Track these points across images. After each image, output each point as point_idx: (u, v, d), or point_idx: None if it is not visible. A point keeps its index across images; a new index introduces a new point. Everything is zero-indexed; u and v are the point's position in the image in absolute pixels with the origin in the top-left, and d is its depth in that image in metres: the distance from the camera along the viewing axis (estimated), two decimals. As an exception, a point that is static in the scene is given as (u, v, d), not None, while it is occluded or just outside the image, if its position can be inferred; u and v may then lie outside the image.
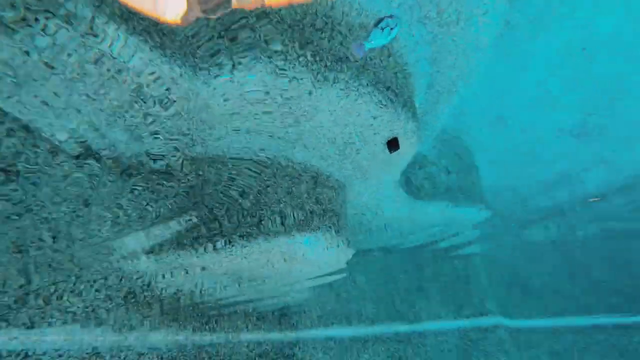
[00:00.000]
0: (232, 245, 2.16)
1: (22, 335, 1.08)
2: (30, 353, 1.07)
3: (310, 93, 2.05)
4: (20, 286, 1.12)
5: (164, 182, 2.07)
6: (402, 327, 4.67)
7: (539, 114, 4.17)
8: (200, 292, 2.53)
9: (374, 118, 2.42)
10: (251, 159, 2.35)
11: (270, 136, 2.29)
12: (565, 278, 6.14)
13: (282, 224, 2.32)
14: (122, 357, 1.51)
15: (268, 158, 2.36)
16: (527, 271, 6.27)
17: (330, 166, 2.81)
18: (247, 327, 2.83)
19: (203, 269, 2.28)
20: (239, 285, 2.84)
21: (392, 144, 2.66)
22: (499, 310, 5.29)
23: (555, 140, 4.55)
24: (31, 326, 1.10)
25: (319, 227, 2.56)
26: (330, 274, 3.66)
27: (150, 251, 1.99)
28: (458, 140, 4.91)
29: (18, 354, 1.05)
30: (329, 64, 2.03)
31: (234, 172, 2.33)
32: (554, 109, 4.09)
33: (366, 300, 4.70)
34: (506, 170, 5.12)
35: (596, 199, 5.29)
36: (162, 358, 1.79)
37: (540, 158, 4.92)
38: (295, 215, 2.45)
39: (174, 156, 2.02)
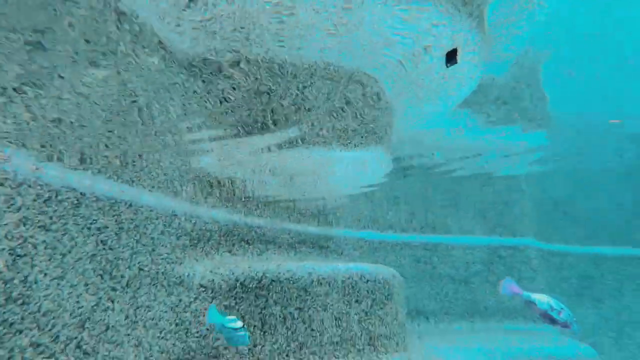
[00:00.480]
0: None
1: (127, 190, 1.54)
2: (130, 204, 1.54)
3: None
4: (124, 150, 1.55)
5: (226, 82, 2.30)
6: (432, 238, 5.04)
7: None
8: (252, 186, 2.99)
9: (435, 26, 2.30)
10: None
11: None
12: (614, 209, 5.85)
13: (320, 134, 2.53)
14: (192, 221, 2.04)
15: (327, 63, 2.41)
16: (574, 199, 6.05)
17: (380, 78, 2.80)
18: (289, 218, 3.35)
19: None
20: (284, 186, 3.27)
21: (451, 56, 2.53)
22: (533, 233, 5.38)
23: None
24: (131, 184, 1.55)
25: (361, 143, 2.74)
26: (368, 186, 3.98)
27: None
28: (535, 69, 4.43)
29: (125, 203, 1.52)
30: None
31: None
32: None
33: (401, 212, 5.06)
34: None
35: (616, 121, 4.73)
36: (220, 229, 2.34)
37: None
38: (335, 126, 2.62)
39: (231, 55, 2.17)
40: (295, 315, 1.94)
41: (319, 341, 1.97)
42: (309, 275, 2.09)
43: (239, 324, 1.44)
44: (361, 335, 2.20)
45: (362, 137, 2.72)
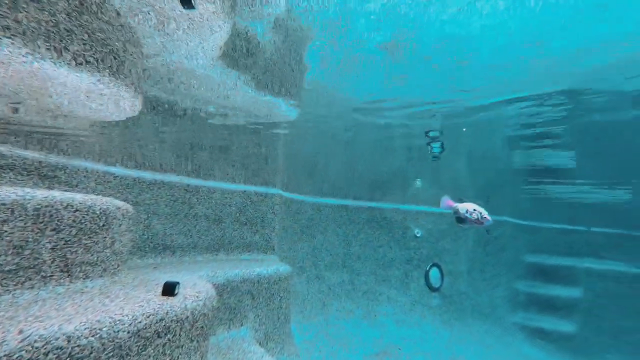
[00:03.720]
0: None
1: None
2: None
3: None
4: None
5: None
6: (193, 181, 5.33)
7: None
8: None
9: None
10: None
11: None
12: (339, 170, 8.15)
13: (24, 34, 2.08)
14: None
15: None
16: (314, 159, 7.94)
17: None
18: None
19: None
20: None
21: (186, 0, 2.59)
22: (281, 184, 6.67)
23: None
24: None
25: (85, 60, 2.43)
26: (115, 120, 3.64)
27: None
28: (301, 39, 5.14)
29: None
30: None
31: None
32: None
33: (164, 151, 5.00)
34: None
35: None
36: None
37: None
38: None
39: None
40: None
41: (-19, 269, 1.79)
42: (-22, 200, 1.80)
43: None
44: (52, 262, 2.15)
45: (91, 56, 2.46)
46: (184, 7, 2.68)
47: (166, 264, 4.63)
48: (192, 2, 2.61)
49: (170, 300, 2.45)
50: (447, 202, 4.36)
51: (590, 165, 9.31)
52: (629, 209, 10.61)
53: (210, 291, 3.16)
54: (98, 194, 3.90)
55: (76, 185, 3.60)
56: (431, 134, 7.99)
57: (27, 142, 3.08)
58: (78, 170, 3.65)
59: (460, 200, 4.52)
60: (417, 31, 4.93)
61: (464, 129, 7.81)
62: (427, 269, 8.89)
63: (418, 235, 8.76)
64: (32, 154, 3.11)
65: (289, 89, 5.28)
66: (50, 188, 3.21)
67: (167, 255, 4.84)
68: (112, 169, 4.15)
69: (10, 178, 2.86)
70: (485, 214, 4.19)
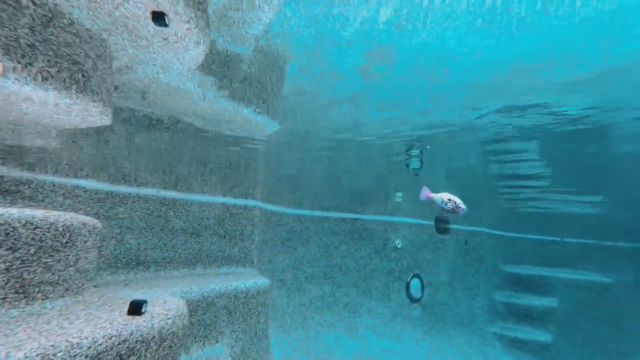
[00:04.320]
0: None
1: None
2: None
3: None
4: None
5: None
6: (170, 194, 5.23)
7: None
8: None
9: None
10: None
11: None
12: (317, 182, 8.19)
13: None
14: None
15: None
16: (300, 173, 7.95)
17: (77, 10, 2.52)
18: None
19: None
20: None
21: (157, 16, 2.60)
22: (261, 197, 6.63)
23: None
24: None
25: (48, 70, 2.39)
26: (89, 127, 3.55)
27: None
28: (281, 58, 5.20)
29: None
30: None
31: None
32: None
33: (140, 167, 4.89)
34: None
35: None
36: None
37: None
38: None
39: None
40: None
41: None
42: None
43: None
44: (6, 283, 2.06)
45: (54, 68, 2.42)
46: (157, 25, 2.69)
47: (139, 280, 4.48)
48: (165, 19, 2.62)
49: (136, 319, 2.37)
50: (425, 192, 4.53)
51: (563, 175, 9.68)
52: (599, 220, 11.06)
53: (181, 308, 3.08)
54: (66, 209, 3.77)
55: (42, 200, 3.48)
56: (412, 152, 8.19)
57: (-12, 155, 2.96)
58: (44, 184, 3.53)
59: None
60: (391, 48, 5.09)
61: (428, 147, 8.04)
62: (408, 280, 8.95)
63: (399, 246, 8.84)
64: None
65: (267, 101, 5.31)
66: (12, 204, 3.08)
67: (140, 271, 4.70)
68: (82, 183, 4.03)
69: (-32, 193, 2.73)
70: (459, 202, 4.35)
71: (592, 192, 10.11)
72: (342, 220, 8.42)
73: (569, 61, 5.00)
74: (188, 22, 2.72)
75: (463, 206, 4.32)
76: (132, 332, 2.23)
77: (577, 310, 9.99)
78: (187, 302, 4.17)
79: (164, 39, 3.02)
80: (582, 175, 9.46)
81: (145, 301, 2.54)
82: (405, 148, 8.42)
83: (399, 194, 8.99)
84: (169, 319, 2.66)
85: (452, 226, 10.02)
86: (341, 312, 8.24)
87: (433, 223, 9.54)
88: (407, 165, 8.95)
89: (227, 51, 4.56)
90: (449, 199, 4.36)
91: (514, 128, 7.46)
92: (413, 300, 8.95)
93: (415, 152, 8.64)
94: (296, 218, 7.76)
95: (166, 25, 2.67)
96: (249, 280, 5.26)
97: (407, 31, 4.48)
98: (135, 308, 2.43)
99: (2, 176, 3.11)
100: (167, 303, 3.00)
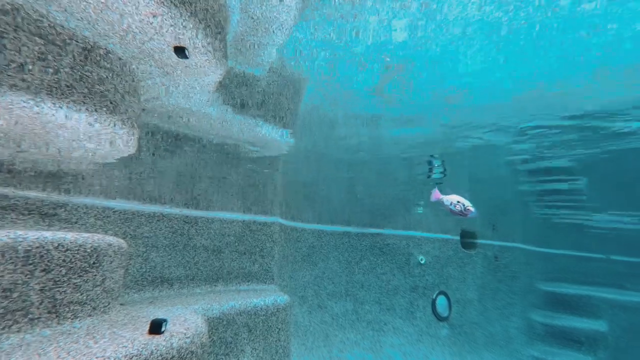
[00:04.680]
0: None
1: None
2: None
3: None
4: None
5: None
6: (192, 212, 5.42)
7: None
8: None
9: (154, 17, 2.47)
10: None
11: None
12: (336, 196, 8.19)
13: (26, 84, 2.27)
14: None
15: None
16: (319, 188, 8.01)
17: (111, 45, 2.76)
18: (-13, 179, 2.81)
19: None
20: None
21: (179, 50, 2.81)
22: (280, 212, 6.73)
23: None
24: None
25: (83, 102, 2.61)
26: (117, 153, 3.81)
27: None
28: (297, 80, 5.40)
29: None
30: None
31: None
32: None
33: (163, 186, 5.14)
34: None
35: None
36: None
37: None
38: (45, 78, 2.41)
39: None
40: None
41: (-32, 314, 1.86)
42: (-30, 245, 1.91)
43: None
44: (40, 304, 2.22)
45: (85, 96, 2.64)
46: (179, 57, 2.90)
47: (163, 298, 4.64)
48: (186, 52, 2.83)
49: (155, 339, 2.47)
50: (435, 194, 4.49)
51: (604, 190, 9.13)
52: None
53: (201, 327, 3.16)
54: (97, 229, 4.01)
55: (76, 222, 3.73)
56: (434, 163, 8.07)
57: (29, 183, 3.24)
58: (78, 207, 3.79)
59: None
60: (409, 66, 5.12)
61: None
62: (434, 297, 8.64)
63: (422, 262, 8.59)
64: (34, 194, 3.26)
65: (283, 118, 5.46)
66: (50, 226, 3.33)
67: (165, 289, 4.86)
68: (112, 204, 4.29)
69: (11, 218, 2.99)
70: (468, 205, 4.26)
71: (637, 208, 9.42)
72: (363, 235, 8.34)
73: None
74: (206, 54, 2.90)
75: (472, 209, 4.22)
76: (152, 352, 2.32)
77: (630, 335, 9.16)
78: (207, 319, 4.26)
79: (186, 66, 3.22)
80: (626, 190, 8.86)
81: (165, 320, 2.64)
82: (426, 160, 8.30)
83: (421, 208, 8.80)
84: (187, 338, 2.74)
85: (479, 241, 9.64)
86: (364, 330, 8.06)
87: (458, 238, 9.22)
88: (429, 177, 8.78)
89: (244, 73, 4.76)
90: (458, 201, 4.30)
91: (550, 142, 7.19)
92: (440, 318, 8.61)
93: (437, 162, 8.49)
94: (316, 233, 7.77)
95: (187, 58, 2.87)
96: (269, 297, 5.29)
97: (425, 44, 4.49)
98: (155, 327, 2.53)
99: (42, 200, 3.38)
100: (186, 321, 3.09)
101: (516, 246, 10.41)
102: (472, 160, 8.18)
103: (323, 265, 7.78)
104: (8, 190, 3.00)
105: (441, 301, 8.67)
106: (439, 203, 4.40)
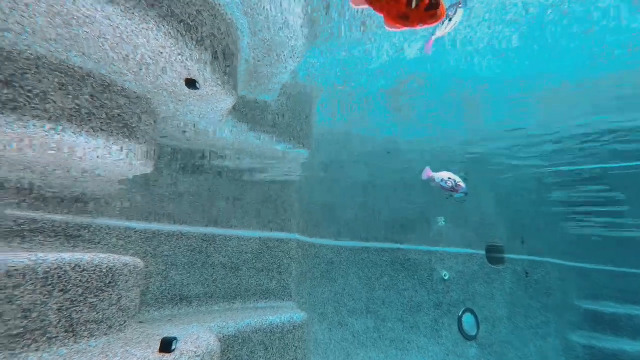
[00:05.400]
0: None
1: None
2: None
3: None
4: None
5: None
6: (210, 230, 5.56)
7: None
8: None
9: (163, 48, 2.63)
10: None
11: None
12: (353, 213, 8.11)
13: (50, 117, 2.47)
14: None
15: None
16: (336, 204, 7.98)
17: (127, 81, 2.96)
18: (18, 204, 3.03)
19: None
20: (16, 169, 2.94)
21: (190, 83, 2.97)
22: (297, 229, 6.75)
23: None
24: None
25: (101, 130, 2.80)
26: (134, 175, 4.02)
27: None
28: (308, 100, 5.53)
29: None
30: (101, -20, 2.09)
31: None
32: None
33: (182, 205, 5.33)
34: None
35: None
36: None
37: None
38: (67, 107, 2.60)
39: None
40: (-41, 310, 1.88)
41: (-9, 333, 1.98)
42: (-5, 268, 2.06)
43: None
44: (58, 323, 2.33)
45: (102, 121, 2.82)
46: (189, 88, 3.06)
47: (182, 316, 4.73)
48: (197, 84, 2.98)
49: (165, 357, 2.51)
50: (427, 172, 4.41)
51: None
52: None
53: (212, 345, 3.18)
54: (119, 249, 4.20)
55: (99, 243, 3.92)
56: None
57: (55, 206, 3.47)
58: (101, 228, 3.99)
59: None
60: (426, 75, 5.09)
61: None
62: (460, 314, 8.24)
63: (446, 277, 8.26)
64: (59, 217, 3.48)
65: (297, 136, 5.55)
66: (75, 247, 3.52)
67: (184, 306, 4.96)
68: (133, 224, 4.48)
69: (39, 241, 3.20)
70: (459, 181, 4.17)
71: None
72: (382, 250, 8.16)
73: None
74: (216, 86, 3.04)
75: (462, 184, 4.13)
76: (160, 371, 2.36)
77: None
78: (223, 337, 4.28)
79: (200, 96, 3.39)
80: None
81: (175, 338, 2.69)
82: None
83: (442, 221, 8.53)
84: (197, 356, 2.77)
85: (507, 256, 9.17)
86: (388, 349, 7.78)
87: (484, 252, 8.82)
88: (450, 196, 8.51)
89: (257, 98, 4.93)
90: (449, 178, 4.23)
91: (584, 151, 6.86)
92: (468, 337, 8.17)
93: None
94: (334, 249, 7.70)
95: (198, 89, 3.02)
96: (286, 314, 5.26)
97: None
98: (166, 346, 2.58)
99: (67, 222, 3.60)
100: (198, 339, 3.13)
101: (548, 261, 9.80)
102: (495, 171, 7.89)
103: (343, 281, 7.66)
104: (37, 214, 3.22)
105: (468, 319, 8.24)
106: (431, 181, 4.35)
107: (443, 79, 5.09)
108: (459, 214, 9.06)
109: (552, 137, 6.57)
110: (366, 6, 1.42)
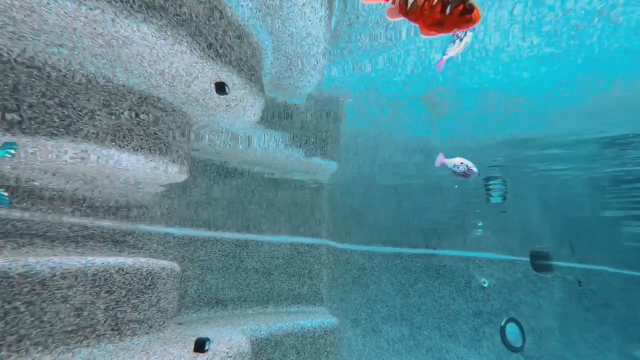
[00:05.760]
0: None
1: None
2: None
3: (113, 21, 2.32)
4: None
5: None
6: (243, 236, 5.76)
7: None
8: (17, 177, 2.90)
9: (195, 64, 2.82)
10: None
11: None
12: (383, 219, 7.97)
13: (95, 133, 2.73)
14: None
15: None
16: (366, 208, 7.92)
17: (162, 93, 3.19)
18: (72, 212, 3.36)
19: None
20: (71, 181, 3.28)
21: (220, 88, 3.15)
22: (327, 234, 6.78)
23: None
24: None
25: (141, 146, 3.05)
26: (170, 185, 4.29)
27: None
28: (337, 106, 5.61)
29: None
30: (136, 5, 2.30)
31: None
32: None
33: (216, 212, 5.57)
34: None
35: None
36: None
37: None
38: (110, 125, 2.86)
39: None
40: (22, 309, 2.13)
41: (48, 332, 2.22)
42: (52, 270, 2.30)
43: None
44: (105, 322, 2.55)
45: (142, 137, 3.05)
46: (219, 94, 3.22)
47: (218, 318, 4.93)
48: (226, 89, 3.14)
49: (199, 356, 2.65)
50: (440, 159, 4.29)
51: None
52: None
53: (244, 347, 3.29)
54: (159, 254, 4.49)
55: (142, 248, 4.22)
56: (491, 184, 7.49)
57: (104, 214, 3.80)
58: (143, 234, 4.30)
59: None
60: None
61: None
62: (503, 324, 7.77)
63: (485, 285, 7.85)
64: (107, 223, 3.81)
65: (325, 145, 5.61)
66: (120, 252, 3.83)
67: (219, 309, 5.17)
68: (171, 230, 4.77)
69: (90, 246, 3.51)
70: (471, 165, 3.98)
71: None
72: (416, 256, 7.94)
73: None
74: (243, 88, 3.18)
75: (475, 169, 3.95)
76: (195, 370, 2.48)
77: None
78: (256, 340, 4.41)
79: (227, 105, 3.57)
80: None
81: (208, 339, 2.82)
82: (482, 180, 7.73)
83: (480, 228, 8.14)
84: (229, 357, 2.88)
85: (555, 263, 8.52)
86: (424, 358, 7.52)
87: (528, 259, 8.27)
88: (488, 201, 8.11)
89: (286, 102, 5.07)
90: (462, 162, 4.06)
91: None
92: (512, 349, 7.68)
93: (496, 184, 7.84)
94: (366, 255, 7.62)
95: (226, 93, 3.18)
96: (317, 319, 5.29)
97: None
98: (199, 346, 2.72)
99: (114, 229, 3.92)
100: (231, 341, 3.26)
101: (606, 270, 8.96)
102: (539, 176, 7.42)
103: (375, 287, 7.55)
104: (88, 221, 3.55)
105: (512, 329, 7.75)
106: (444, 167, 4.22)
107: (480, 85, 4.91)
108: (496, 219, 8.59)
109: (600, 136, 6.04)
110: (401, 18, 1.43)
